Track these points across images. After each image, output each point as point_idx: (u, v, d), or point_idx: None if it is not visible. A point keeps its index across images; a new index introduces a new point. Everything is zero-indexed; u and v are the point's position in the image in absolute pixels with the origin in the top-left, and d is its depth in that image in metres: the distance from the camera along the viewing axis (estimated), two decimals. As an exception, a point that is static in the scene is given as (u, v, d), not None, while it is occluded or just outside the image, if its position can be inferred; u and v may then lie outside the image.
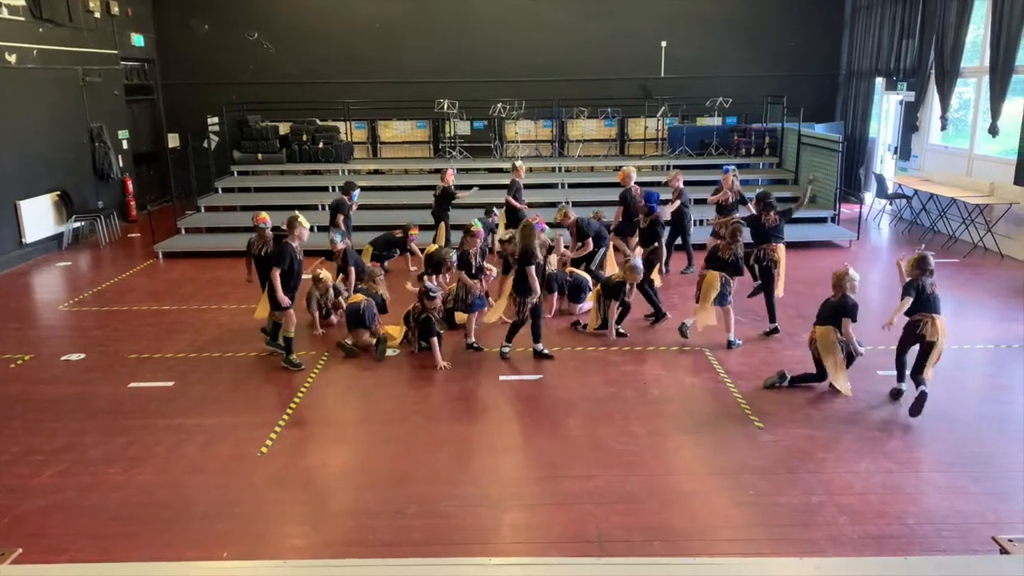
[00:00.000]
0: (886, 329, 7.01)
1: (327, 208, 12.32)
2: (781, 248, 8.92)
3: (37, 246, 13.11)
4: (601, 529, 5.22)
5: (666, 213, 10.96)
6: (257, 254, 8.50)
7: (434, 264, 10.31)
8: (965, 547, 4.95)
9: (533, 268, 7.96)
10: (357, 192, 11.24)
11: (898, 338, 7.21)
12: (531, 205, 11.99)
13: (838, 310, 7.09)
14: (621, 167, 16.06)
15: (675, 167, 16.23)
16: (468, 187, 12.32)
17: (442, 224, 11.98)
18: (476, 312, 8.64)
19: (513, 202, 11.58)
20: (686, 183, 15.46)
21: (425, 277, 10.79)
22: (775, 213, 8.95)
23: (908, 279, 7.08)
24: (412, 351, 8.35)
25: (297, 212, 8.21)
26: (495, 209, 11.66)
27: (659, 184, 15.71)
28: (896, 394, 7.20)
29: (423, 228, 12.05)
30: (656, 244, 9.48)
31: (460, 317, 8.90)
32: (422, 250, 10.81)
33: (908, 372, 7.10)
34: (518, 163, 12.12)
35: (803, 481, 5.77)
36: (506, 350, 8.28)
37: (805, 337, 8.63)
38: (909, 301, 6.97)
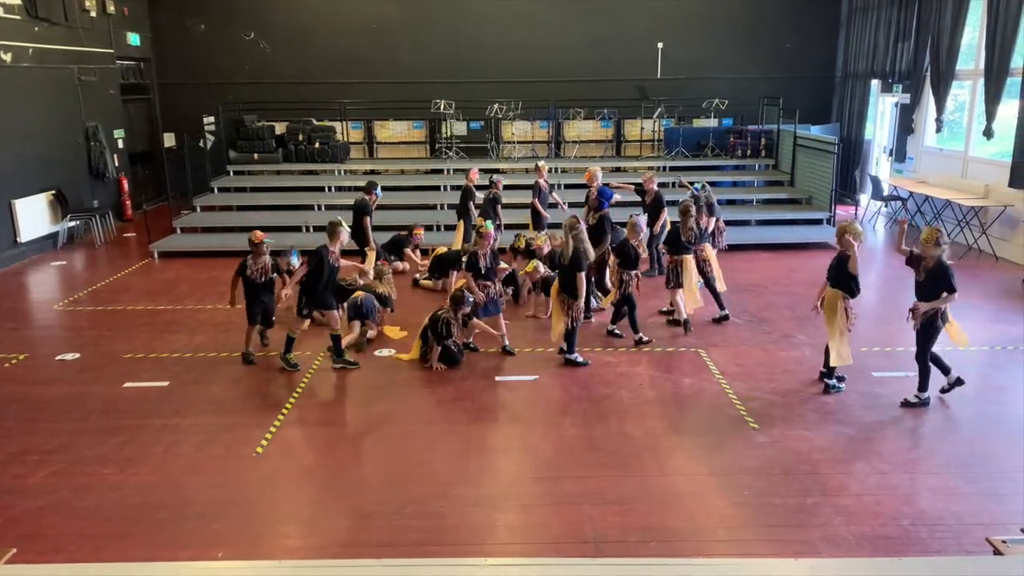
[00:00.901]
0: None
1: (331, 211, 12.14)
2: (708, 247, 9.29)
3: (32, 245, 13.08)
4: (597, 530, 5.23)
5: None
6: (256, 280, 8.16)
7: (444, 266, 10.31)
8: (959, 548, 4.97)
9: (583, 273, 7.90)
10: (379, 189, 11.01)
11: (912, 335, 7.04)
12: (529, 206, 11.92)
13: (842, 272, 6.94)
14: (618, 167, 16.20)
15: (671, 168, 16.28)
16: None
17: (461, 223, 11.86)
18: (485, 317, 8.49)
19: (539, 206, 11.52)
20: (682, 185, 15.56)
21: (427, 280, 10.78)
22: (707, 216, 9.29)
23: (926, 257, 6.64)
24: (430, 367, 8.03)
25: (339, 218, 8.10)
26: (494, 177, 11.57)
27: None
28: (958, 382, 7.06)
29: (448, 228, 11.98)
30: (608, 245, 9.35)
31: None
32: (427, 251, 10.71)
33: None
34: (540, 163, 12.02)
35: (798, 482, 5.78)
36: (581, 359, 8.09)
37: (801, 338, 8.70)
38: (955, 296, 6.63)
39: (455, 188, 15.31)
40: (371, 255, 10.61)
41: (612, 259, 8.87)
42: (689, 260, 8.83)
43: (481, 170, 16.11)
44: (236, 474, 6.00)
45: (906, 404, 7.01)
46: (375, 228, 11.68)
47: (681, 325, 9.00)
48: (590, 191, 10.63)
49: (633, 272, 8.49)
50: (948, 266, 6.64)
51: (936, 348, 6.99)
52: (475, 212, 11.46)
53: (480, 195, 11.68)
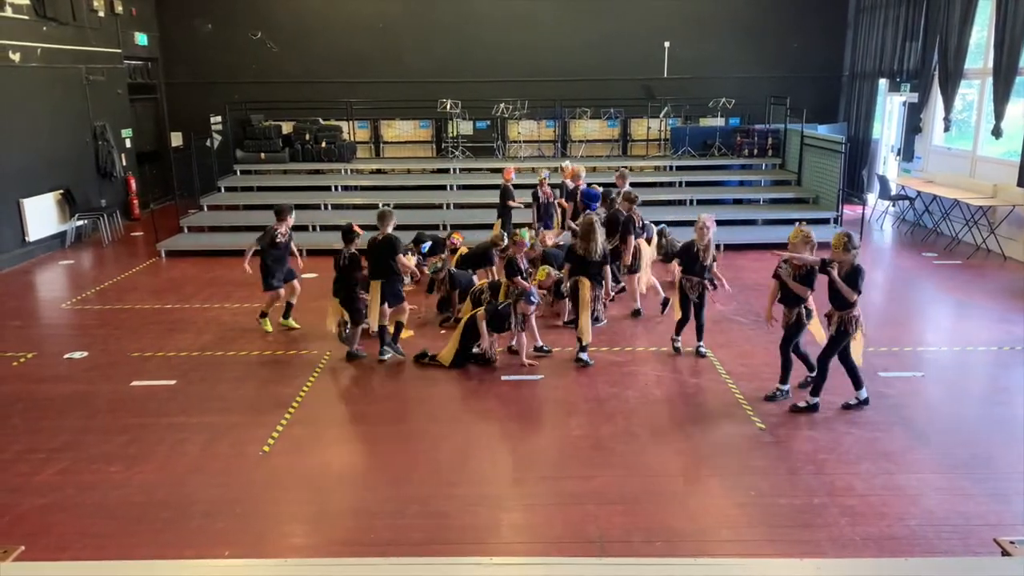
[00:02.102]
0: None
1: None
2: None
3: (40, 244, 13.13)
4: (601, 529, 5.22)
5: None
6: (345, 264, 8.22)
7: (470, 264, 10.30)
8: (966, 549, 4.94)
9: (608, 266, 8.14)
10: (427, 245, 10.89)
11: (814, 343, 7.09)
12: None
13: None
14: (625, 167, 16.14)
15: (678, 168, 16.26)
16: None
17: (498, 223, 11.71)
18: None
19: (565, 204, 11.50)
20: (688, 184, 15.56)
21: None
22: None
23: (840, 262, 6.52)
24: (482, 352, 7.98)
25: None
26: (544, 174, 11.45)
27: (660, 185, 15.76)
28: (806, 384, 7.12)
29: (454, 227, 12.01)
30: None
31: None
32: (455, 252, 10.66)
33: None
34: (566, 163, 11.98)
35: (804, 482, 5.76)
36: (589, 358, 8.11)
37: (807, 338, 8.64)
38: (856, 298, 6.54)
39: (461, 188, 15.35)
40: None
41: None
42: (642, 243, 9.39)
43: (490, 170, 16.22)
44: (241, 473, 6.01)
45: (795, 409, 6.93)
46: (374, 229, 11.62)
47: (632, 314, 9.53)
48: (574, 192, 10.44)
49: (696, 279, 7.93)
50: (861, 269, 6.55)
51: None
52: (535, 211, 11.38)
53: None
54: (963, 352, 8.37)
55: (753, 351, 8.39)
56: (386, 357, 8.18)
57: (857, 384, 6.90)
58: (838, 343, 6.70)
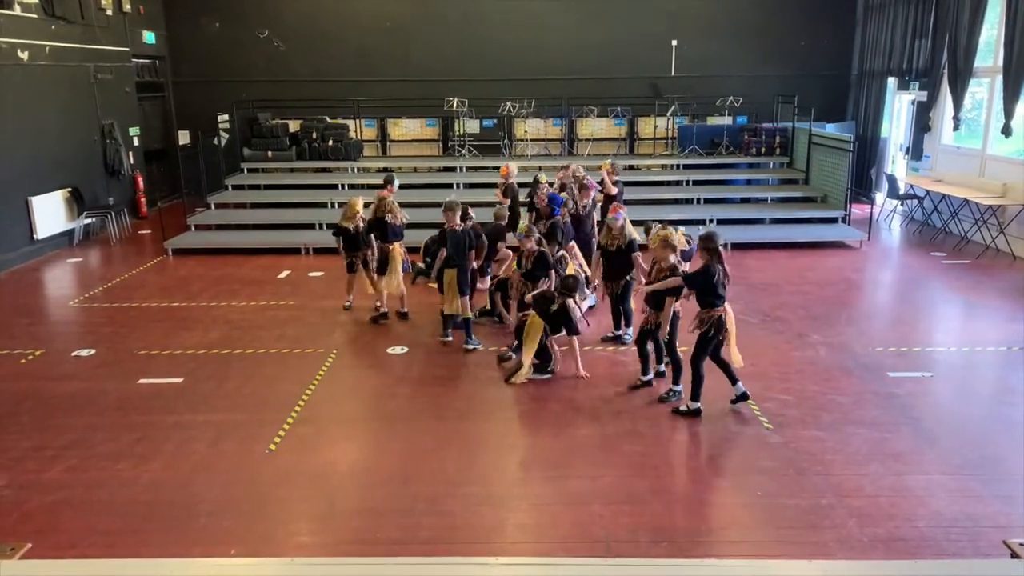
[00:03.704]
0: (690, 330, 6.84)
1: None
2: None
3: (48, 242, 13.18)
4: (608, 529, 5.21)
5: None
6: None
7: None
8: (975, 550, 4.91)
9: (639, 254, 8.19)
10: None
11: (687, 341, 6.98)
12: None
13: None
14: (632, 165, 16.12)
15: (686, 166, 16.21)
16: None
17: None
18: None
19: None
20: (696, 183, 15.51)
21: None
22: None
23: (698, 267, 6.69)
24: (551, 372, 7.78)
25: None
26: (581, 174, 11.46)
27: (667, 184, 15.70)
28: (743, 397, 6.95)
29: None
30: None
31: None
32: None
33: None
34: (607, 162, 11.92)
35: (811, 483, 5.74)
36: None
37: (815, 337, 8.62)
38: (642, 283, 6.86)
39: (468, 186, 15.33)
40: None
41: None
42: (573, 247, 9.43)
43: (496, 168, 16.15)
44: (248, 471, 6.02)
45: (676, 412, 6.89)
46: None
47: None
48: (538, 196, 9.91)
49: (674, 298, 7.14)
50: (675, 266, 6.86)
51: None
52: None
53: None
54: (972, 352, 8.33)
55: (761, 351, 8.35)
56: (471, 347, 8.49)
57: (732, 380, 6.92)
58: (705, 343, 6.71)
